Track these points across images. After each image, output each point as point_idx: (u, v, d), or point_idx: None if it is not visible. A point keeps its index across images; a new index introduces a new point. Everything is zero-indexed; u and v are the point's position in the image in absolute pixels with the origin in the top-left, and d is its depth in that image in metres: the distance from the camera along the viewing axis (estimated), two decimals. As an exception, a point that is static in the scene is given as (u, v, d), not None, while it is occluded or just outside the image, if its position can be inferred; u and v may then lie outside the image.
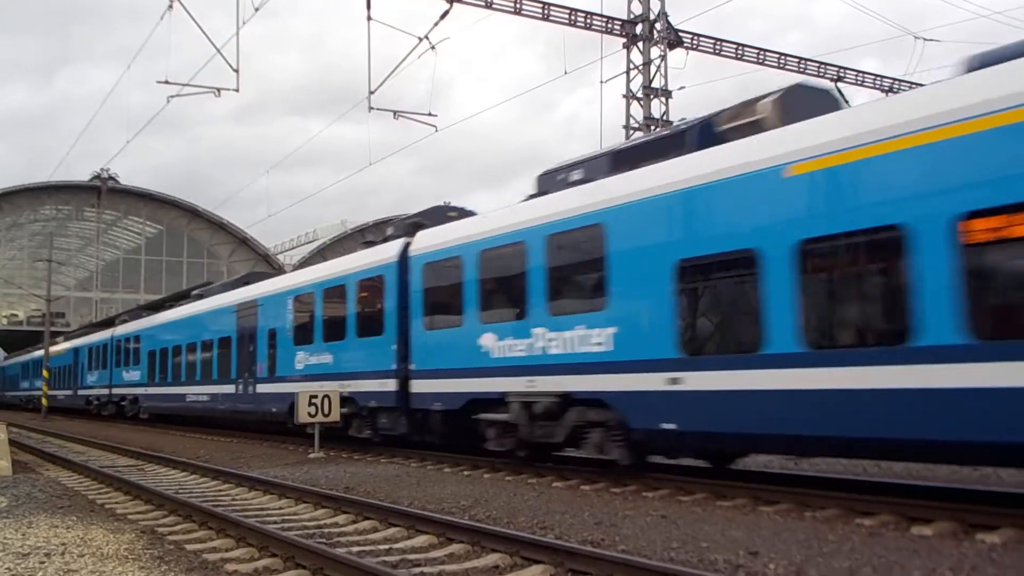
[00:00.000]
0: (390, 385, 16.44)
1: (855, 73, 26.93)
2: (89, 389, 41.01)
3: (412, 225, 17.43)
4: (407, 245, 16.64)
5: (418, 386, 15.73)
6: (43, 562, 7.35)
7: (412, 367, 15.95)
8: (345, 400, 17.88)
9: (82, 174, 64.01)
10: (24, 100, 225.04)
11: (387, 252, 17.22)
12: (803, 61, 26.48)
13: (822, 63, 26.55)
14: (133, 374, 33.71)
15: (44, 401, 48.04)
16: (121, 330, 36.43)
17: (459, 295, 14.75)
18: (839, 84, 23.88)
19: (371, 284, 17.65)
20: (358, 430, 17.89)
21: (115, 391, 36.21)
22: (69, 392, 45.73)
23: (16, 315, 74.52)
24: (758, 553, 7.20)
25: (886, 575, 6.38)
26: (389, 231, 18.53)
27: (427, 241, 16.11)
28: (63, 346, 48.76)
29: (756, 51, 26.18)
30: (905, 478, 12.53)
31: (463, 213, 17.69)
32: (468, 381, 14.43)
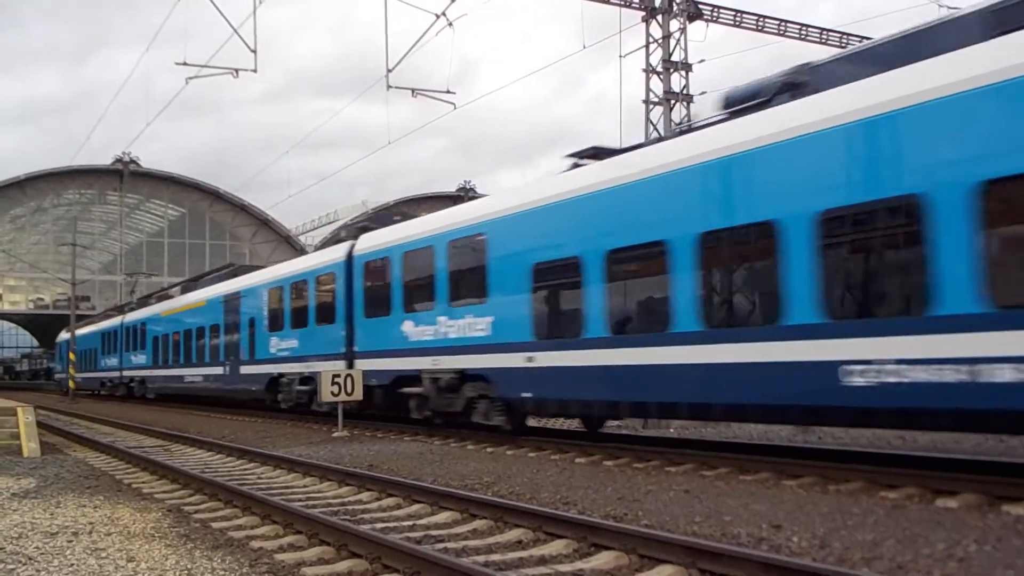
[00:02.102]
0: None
1: (858, 39, 26.56)
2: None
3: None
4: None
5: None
6: (71, 541, 7.44)
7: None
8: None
9: (112, 159, 64.51)
10: (56, 86, 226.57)
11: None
12: (825, 32, 26.15)
13: (844, 33, 26.21)
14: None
15: (72, 384, 48.72)
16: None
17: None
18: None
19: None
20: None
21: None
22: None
23: (42, 299, 75.23)
24: (781, 526, 7.19)
25: (910, 547, 6.35)
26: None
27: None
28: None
29: (777, 22, 25.86)
30: (930, 450, 12.46)
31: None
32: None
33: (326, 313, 20.44)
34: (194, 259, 67.25)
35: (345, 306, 19.42)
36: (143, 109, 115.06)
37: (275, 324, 23.34)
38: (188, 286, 34.81)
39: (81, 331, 49.99)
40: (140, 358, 37.05)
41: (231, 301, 26.79)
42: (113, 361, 41.74)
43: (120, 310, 45.03)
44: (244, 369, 25.28)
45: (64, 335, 53.22)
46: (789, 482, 9.75)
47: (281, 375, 22.59)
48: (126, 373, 39.29)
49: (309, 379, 20.70)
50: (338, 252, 20.22)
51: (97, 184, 66.61)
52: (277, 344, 23.08)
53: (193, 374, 30.14)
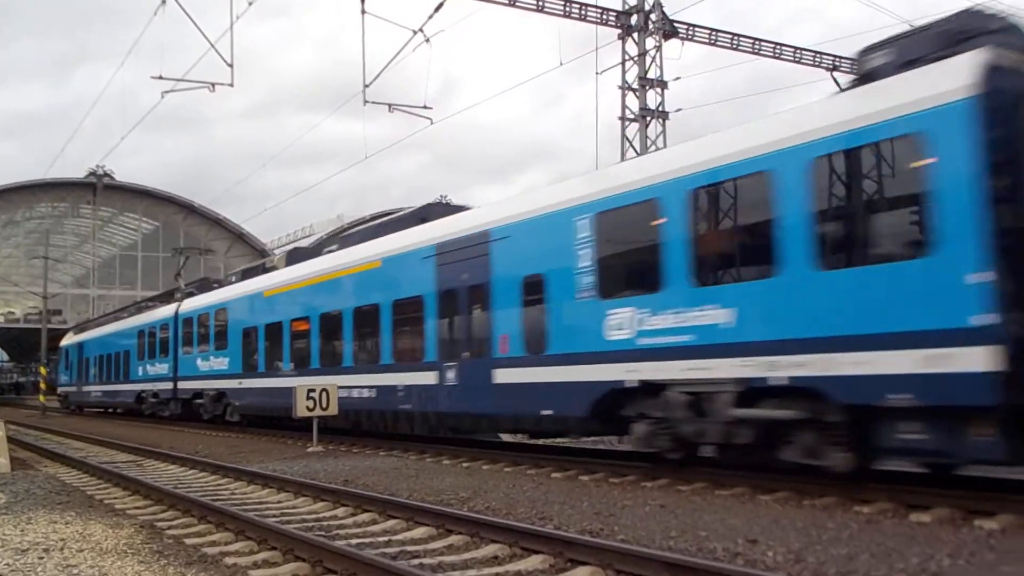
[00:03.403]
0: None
1: (850, 62, 26.86)
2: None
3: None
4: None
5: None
6: (42, 557, 7.34)
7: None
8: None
9: (86, 172, 63.92)
10: (40, 99, 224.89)
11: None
12: (798, 51, 26.41)
13: (817, 52, 26.49)
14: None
15: (42, 398, 48.00)
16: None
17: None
18: (835, 74, 23.88)
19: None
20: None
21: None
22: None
23: (13, 312, 74.39)
24: (757, 541, 7.21)
25: (884, 561, 6.39)
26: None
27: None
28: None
29: (752, 41, 26.12)
30: (903, 465, 12.54)
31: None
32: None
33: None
34: (167, 272, 66.60)
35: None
36: (123, 123, 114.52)
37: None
38: (325, 246, 22.71)
39: (97, 331, 41.16)
40: (216, 362, 25.84)
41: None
42: (159, 368, 30.55)
43: (168, 296, 35.44)
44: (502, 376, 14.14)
45: (73, 338, 46.47)
46: (764, 497, 9.79)
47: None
48: (186, 385, 28.19)
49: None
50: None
51: (70, 197, 66.06)
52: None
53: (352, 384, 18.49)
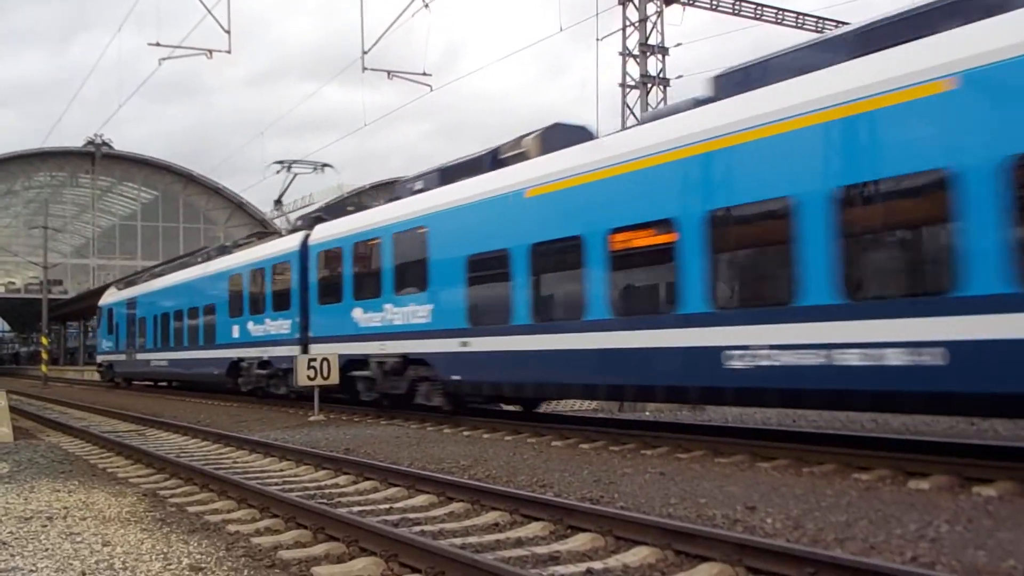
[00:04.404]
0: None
1: (834, 24, 26.71)
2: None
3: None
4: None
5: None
6: (45, 525, 7.39)
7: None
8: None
9: (84, 141, 63.68)
10: (39, 68, 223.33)
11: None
12: (800, 16, 26.19)
13: (819, 18, 26.25)
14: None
15: (44, 368, 48.06)
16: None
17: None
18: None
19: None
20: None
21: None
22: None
23: (13, 283, 74.51)
24: (755, 508, 7.25)
25: (883, 527, 6.43)
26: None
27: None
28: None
29: (754, 7, 25.87)
30: (903, 433, 12.61)
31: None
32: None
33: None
34: (168, 242, 66.73)
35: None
36: (122, 92, 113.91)
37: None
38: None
39: (159, 282, 31.59)
40: (395, 314, 17.02)
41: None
42: (273, 326, 21.70)
43: (259, 236, 27.76)
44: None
45: (119, 294, 37.21)
46: (764, 464, 9.83)
47: None
48: (324, 349, 18.96)
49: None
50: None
51: (69, 166, 65.91)
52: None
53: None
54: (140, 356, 32.89)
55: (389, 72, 20.91)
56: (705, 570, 5.53)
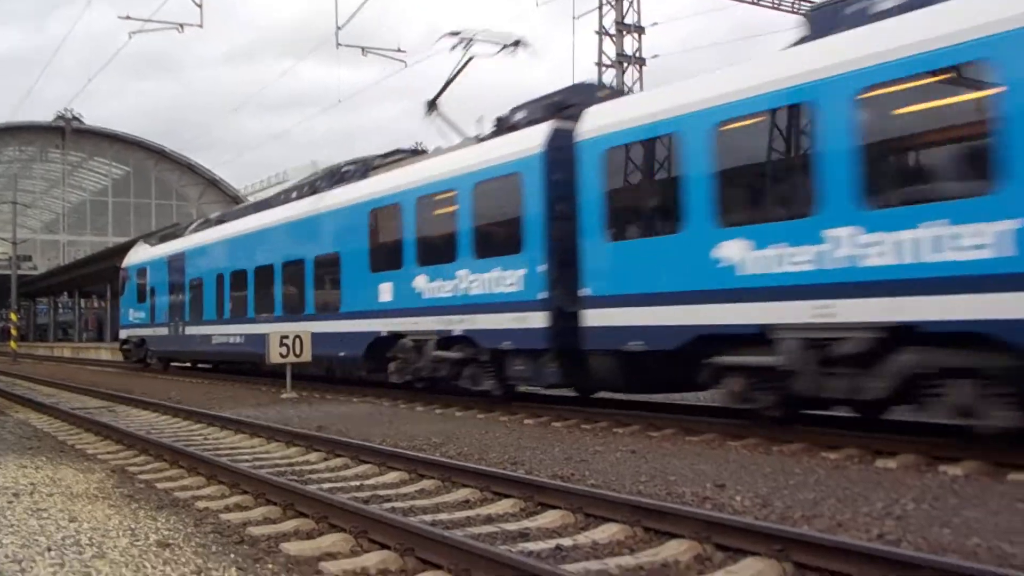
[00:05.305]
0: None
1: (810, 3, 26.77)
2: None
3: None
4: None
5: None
6: (11, 502, 7.31)
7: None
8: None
9: (54, 115, 62.70)
10: (16, 41, 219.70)
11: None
12: (777, -2, 26.22)
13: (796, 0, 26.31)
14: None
15: (13, 345, 47.58)
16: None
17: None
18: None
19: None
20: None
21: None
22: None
23: (-19, 258, 73.44)
24: (725, 486, 7.30)
25: (850, 505, 6.49)
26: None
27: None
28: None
29: (730, -13, 25.87)
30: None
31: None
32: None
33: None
34: (140, 219, 66.08)
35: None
36: (94, 66, 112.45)
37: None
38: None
39: (224, 230, 23.82)
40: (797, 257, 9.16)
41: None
42: (494, 280, 13.45)
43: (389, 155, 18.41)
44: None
45: (154, 250, 29.02)
46: (734, 443, 9.90)
47: None
48: (623, 314, 11.31)
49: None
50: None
51: (38, 141, 65.00)
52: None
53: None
54: (192, 330, 24.96)
55: (363, 48, 20.74)
56: (674, 547, 5.56)
